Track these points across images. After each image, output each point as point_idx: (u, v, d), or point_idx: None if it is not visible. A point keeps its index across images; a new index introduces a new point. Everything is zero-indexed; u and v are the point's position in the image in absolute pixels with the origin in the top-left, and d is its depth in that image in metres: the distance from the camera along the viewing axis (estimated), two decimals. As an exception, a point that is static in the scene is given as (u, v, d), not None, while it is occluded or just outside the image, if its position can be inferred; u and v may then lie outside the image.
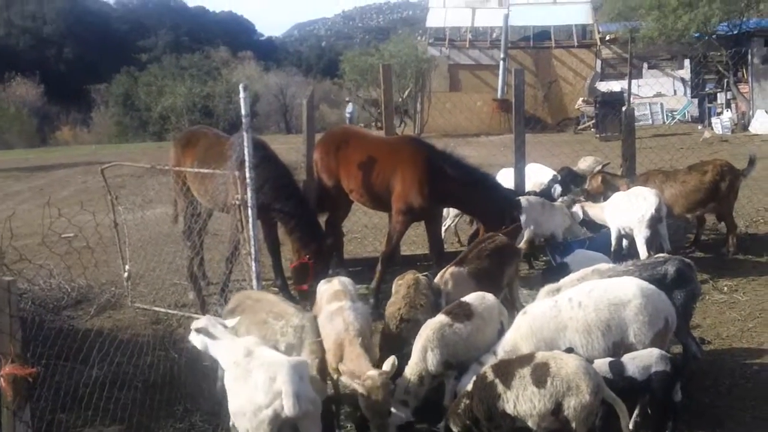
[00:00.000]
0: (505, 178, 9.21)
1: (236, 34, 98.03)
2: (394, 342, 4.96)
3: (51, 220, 5.81)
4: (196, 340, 4.55)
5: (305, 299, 6.55)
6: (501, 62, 28.18)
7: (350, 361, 4.45)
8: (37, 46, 77.57)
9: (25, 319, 5.34)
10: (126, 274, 7.52)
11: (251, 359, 4.14)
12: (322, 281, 5.34)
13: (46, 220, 6.07)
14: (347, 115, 33.93)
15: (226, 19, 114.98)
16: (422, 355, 4.58)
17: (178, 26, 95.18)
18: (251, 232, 6.37)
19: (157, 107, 40.00)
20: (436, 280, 5.61)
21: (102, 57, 76.09)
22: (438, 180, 7.15)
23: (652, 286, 4.53)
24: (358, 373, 4.35)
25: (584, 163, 10.04)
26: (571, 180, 9.23)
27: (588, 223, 8.11)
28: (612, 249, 7.54)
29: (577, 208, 7.93)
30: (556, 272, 6.11)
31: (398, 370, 4.56)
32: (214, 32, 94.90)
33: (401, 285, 5.36)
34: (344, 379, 4.48)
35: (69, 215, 6.56)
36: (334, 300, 4.90)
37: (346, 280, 5.29)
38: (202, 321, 4.58)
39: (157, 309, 7.32)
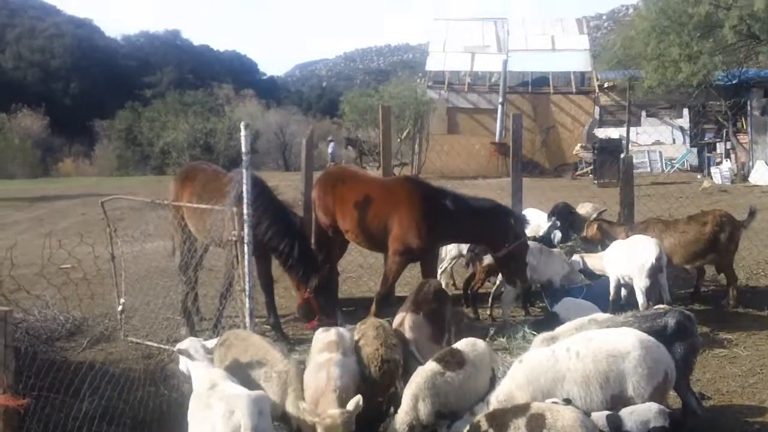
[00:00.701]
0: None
1: (239, 73, 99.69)
2: (378, 385, 4.80)
3: (50, 251, 5.77)
4: (180, 361, 4.62)
5: None
6: (499, 106, 28.48)
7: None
8: (44, 80, 79.18)
9: (19, 349, 5.26)
10: (120, 307, 7.45)
11: (213, 392, 4.17)
12: (321, 329, 5.17)
13: (45, 251, 6.05)
14: (329, 153, 34.22)
15: (230, 58, 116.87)
16: (413, 404, 4.47)
17: (183, 63, 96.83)
18: (246, 269, 6.33)
19: (159, 142, 40.29)
20: (394, 325, 5.46)
21: (107, 92, 77.39)
22: (436, 218, 7.12)
23: (651, 339, 4.47)
24: (319, 410, 4.27)
25: (583, 209, 10.03)
26: (566, 217, 9.21)
27: (585, 271, 8.06)
28: (610, 298, 7.47)
29: (576, 258, 7.89)
30: (547, 321, 6.06)
31: (382, 414, 4.48)
32: (218, 70, 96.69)
33: (366, 327, 5.17)
34: (306, 416, 4.35)
35: (68, 246, 6.55)
36: (326, 351, 4.77)
37: (344, 331, 5.13)
38: (185, 342, 4.64)
39: (149, 343, 7.23)
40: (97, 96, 77.04)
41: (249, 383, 4.56)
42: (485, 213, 7.18)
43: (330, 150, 34.23)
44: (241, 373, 4.69)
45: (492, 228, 7.10)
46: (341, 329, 5.17)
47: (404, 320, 5.45)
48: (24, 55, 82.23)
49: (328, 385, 4.46)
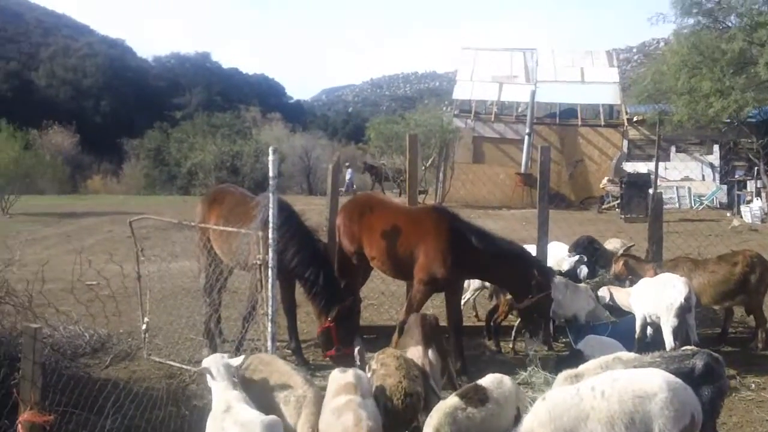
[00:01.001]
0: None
1: (267, 96, 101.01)
2: (400, 418, 4.75)
3: (80, 267, 5.87)
4: (208, 377, 4.69)
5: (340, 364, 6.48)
6: (526, 137, 28.46)
7: None
8: (76, 98, 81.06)
9: (45, 365, 5.35)
10: (144, 326, 7.51)
11: (227, 414, 4.25)
12: (336, 370, 4.98)
13: (72, 267, 6.15)
14: (347, 180, 34.36)
15: (258, 81, 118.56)
16: None
17: (212, 85, 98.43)
18: (269, 293, 6.38)
19: (186, 163, 40.72)
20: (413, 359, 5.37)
21: (137, 111, 78.92)
22: (462, 251, 7.10)
23: (678, 380, 4.40)
24: None
25: (611, 245, 9.95)
26: (591, 252, 9.14)
27: (612, 307, 7.99)
28: (636, 336, 7.39)
29: (603, 291, 7.82)
30: (571, 358, 6.00)
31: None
32: (246, 93, 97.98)
33: (387, 357, 5.09)
34: None
35: (95, 264, 6.66)
36: (344, 393, 4.62)
37: (360, 373, 4.98)
38: (209, 360, 4.72)
39: (171, 363, 7.29)
40: (127, 115, 78.58)
41: (271, 407, 4.60)
42: (510, 258, 7.10)
43: (348, 177, 34.39)
44: (263, 397, 4.73)
45: (515, 275, 7.06)
46: (359, 371, 5.00)
47: (422, 354, 5.42)
48: (57, 74, 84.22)
49: (359, 428, 4.33)
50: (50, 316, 7.17)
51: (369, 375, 5.05)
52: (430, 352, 5.44)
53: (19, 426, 3.85)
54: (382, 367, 4.99)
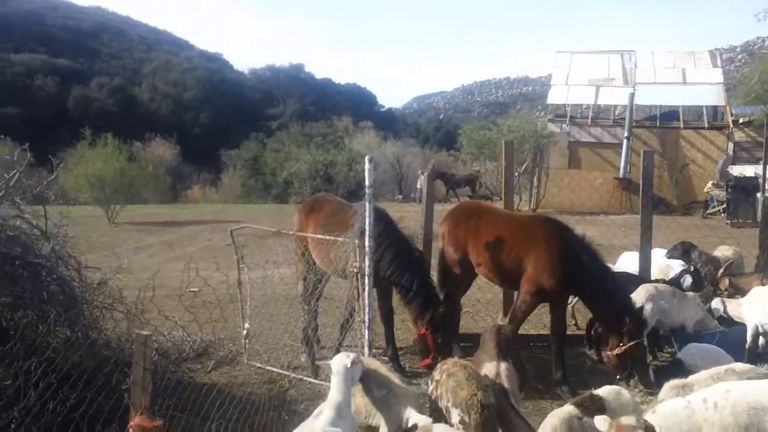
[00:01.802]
0: (628, 262, 8.92)
1: (359, 105, 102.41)
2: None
3: (188, 274, 6.07)
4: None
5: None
6: (625, 141, 27.64)
7: None
8: (176, 111, 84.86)
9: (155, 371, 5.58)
10: (245, 332, 7.72)
11: (315, 420, 4.37)
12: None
13: (177, 275, 6.35)
14: (419, 187, 34.00)
15: (350, 90, 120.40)
16: None
17: (306, 96, 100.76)
18: (366, 300, 6.45)
19: (282, 172, 41.55)
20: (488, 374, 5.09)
21: (234, 122, 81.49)
22: (572, 265, 6.96)
23: (798, 393, 4.19)
24: None
25: (720, 252, 9.56)
26: (688, 259, 8.82)
27: (727, 319, 7.67)
28: (747, 346, 7.08)
29: (717, 303, 7.53)
30: (671, 367, 5.78)
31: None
32: (339, 102, 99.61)
33: (452, 367, 4.80)
34: None
35: (196, 271, 6.89)
36: None
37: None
38: (335, 359, 4.67)
39: (271, 368, 7.46)
40: (225, 126, 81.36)
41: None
42: (609, 294, 6.89)
43: (419, 185, 34.21)
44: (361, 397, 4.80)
45: (608, 314, 6.88)
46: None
47: (499, 369, 5.10)
48: (159, 88, 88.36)
49: None
50: (157, 321, 7.45)
51: (431, 387, 4.85)
52: (506, 366, 5.14)
53: (131, 430, 3.96)
54: (449, 378, 4.70)
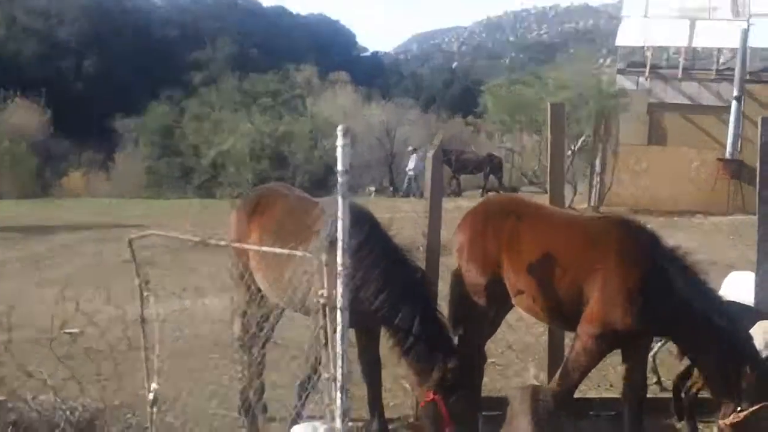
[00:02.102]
0: (739, 286, 8.98)
1: (328, 47, 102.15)
2: None
3: (60, 306, 6.05)
4: None
5: None
6: (734, 102, 27.95)
7: None
8: (46, 56, 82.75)
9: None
10: (151, 395, 7.69)
11: None
12: None
13: (44, 307, 6.32)
14: (409, 173, 34.60)
15: (315, 24, 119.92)
16: None
17: (247, 34, 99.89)
18: (339, 347, 6.44)
19: (208, 151, 41.53)
20: None
21: (136, 74, 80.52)
22: (659, 296, 6.89)
23: None
24: None
25: None
26: None
27: None
28: None
29: None
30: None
31: None
32: (297, 43, 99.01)
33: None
34: None
35: (77, 303, 6.85)
36: None
37: None
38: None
39: (194, 456, 7.47)
40: (121, 81, 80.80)
41: None
42: (720, 336, 6.80)
43: (411, 165, 34.67)
44: None
45: (718, 363, 6.84)
46: None
47: None
48: (19, 20, 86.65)
49: None
50: (15, 380, 7.38)
51: None
52: None
53: None
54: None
